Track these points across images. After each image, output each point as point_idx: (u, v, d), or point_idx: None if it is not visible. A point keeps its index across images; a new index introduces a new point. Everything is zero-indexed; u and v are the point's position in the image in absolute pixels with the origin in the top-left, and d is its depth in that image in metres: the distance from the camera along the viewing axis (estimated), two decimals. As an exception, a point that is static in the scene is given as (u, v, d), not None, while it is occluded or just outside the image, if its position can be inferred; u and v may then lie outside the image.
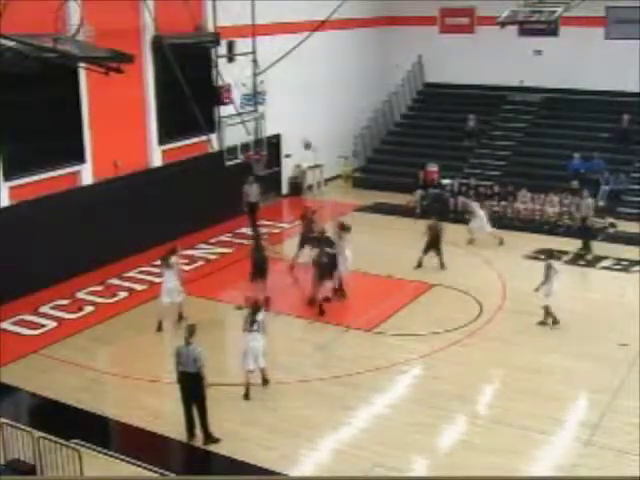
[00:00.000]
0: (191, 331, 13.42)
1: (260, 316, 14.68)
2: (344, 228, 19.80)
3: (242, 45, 25.53)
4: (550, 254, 18.37)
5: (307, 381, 15.44)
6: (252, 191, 24.46)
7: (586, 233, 22.89)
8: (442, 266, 21.26)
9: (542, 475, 12.57)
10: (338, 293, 19.25)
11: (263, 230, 23.99)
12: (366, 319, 18.06)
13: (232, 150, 25.44)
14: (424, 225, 21.79)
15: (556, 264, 17.81)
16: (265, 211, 26.60)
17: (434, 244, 21.27)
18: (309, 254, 20.38)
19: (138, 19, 22.48)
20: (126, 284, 20.40)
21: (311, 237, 20.77)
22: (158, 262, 19.20)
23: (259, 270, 18.76)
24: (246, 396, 14.68)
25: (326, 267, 18.60)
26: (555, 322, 17.61)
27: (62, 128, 20.72)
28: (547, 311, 17.59)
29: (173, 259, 17.97)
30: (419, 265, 21.29)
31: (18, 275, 18.75)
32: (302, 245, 21.33)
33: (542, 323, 17.68)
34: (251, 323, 14.60)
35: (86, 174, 21.48)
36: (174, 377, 13.84)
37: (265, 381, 15.10)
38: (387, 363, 16.11)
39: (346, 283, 19.36)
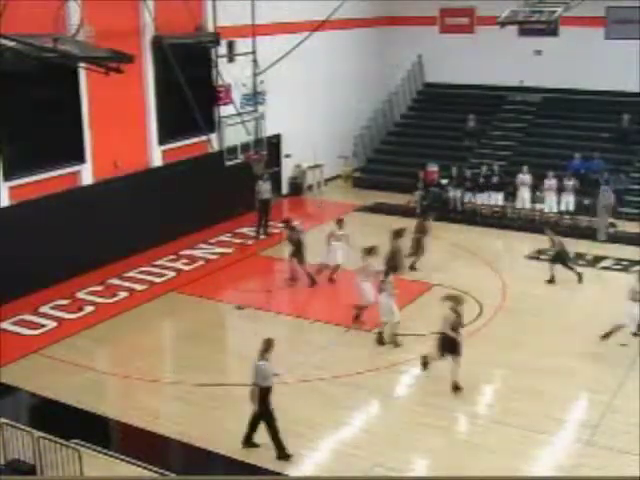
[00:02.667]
0: (265, 346, 13.05)
1: (390, 278, 16.99)
2: None
3: (242, 45, 25.54)
4: None
5: (308, 381, 15.45)
6: (265, 188, 24.49)
7: None
8: (579, 279, 20.39)
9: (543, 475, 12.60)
10: None
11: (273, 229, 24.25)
12: (366, 319, 18.01)
13: (232, 150, 25.45)
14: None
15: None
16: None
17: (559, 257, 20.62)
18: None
19: (138, 19, 22.46)
20: (126, 284, 20.38)
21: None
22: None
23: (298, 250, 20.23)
24: (379, 341, 16.76)
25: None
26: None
27: (62, 128, 20.72)
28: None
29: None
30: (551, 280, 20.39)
31: (18, 275, 18.74)
32: None
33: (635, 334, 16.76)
34: (383, 283, 16.92)
35: (86, 174, 21.46)
36: (175, 378, 13.82)
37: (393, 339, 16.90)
38: (387, 363, 16.12)
39: None
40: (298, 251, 20.33)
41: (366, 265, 17.78)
